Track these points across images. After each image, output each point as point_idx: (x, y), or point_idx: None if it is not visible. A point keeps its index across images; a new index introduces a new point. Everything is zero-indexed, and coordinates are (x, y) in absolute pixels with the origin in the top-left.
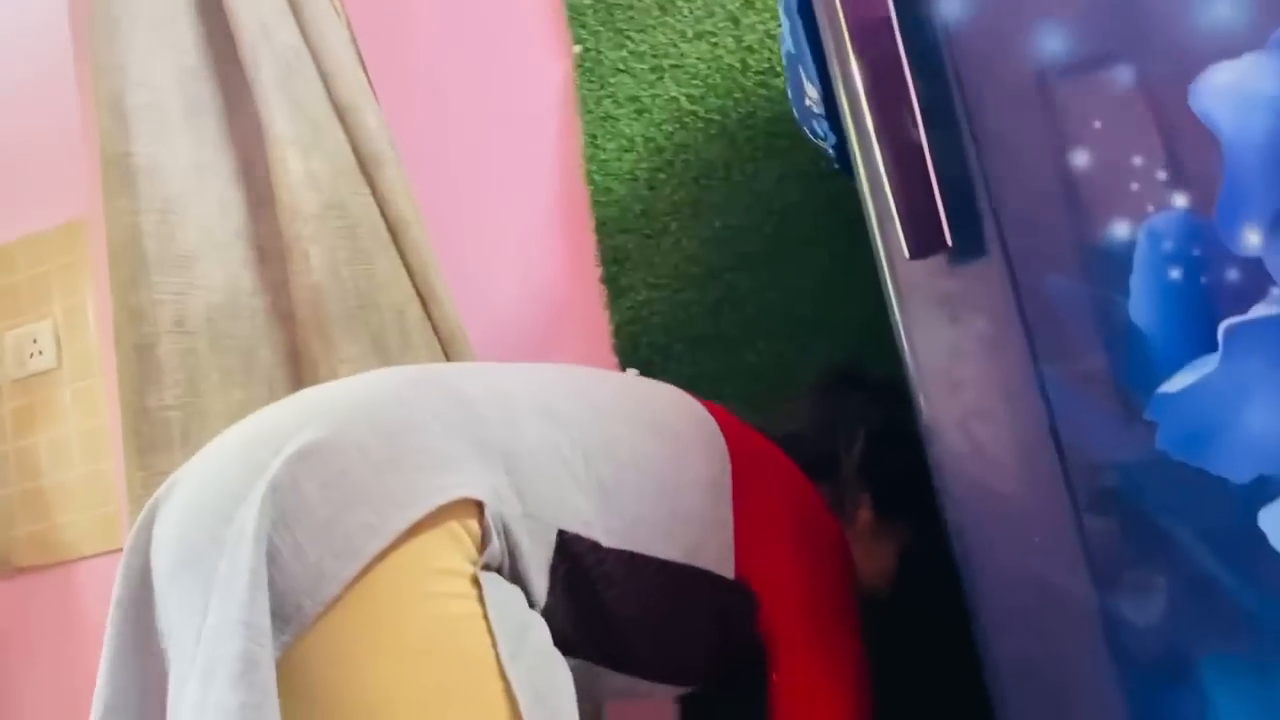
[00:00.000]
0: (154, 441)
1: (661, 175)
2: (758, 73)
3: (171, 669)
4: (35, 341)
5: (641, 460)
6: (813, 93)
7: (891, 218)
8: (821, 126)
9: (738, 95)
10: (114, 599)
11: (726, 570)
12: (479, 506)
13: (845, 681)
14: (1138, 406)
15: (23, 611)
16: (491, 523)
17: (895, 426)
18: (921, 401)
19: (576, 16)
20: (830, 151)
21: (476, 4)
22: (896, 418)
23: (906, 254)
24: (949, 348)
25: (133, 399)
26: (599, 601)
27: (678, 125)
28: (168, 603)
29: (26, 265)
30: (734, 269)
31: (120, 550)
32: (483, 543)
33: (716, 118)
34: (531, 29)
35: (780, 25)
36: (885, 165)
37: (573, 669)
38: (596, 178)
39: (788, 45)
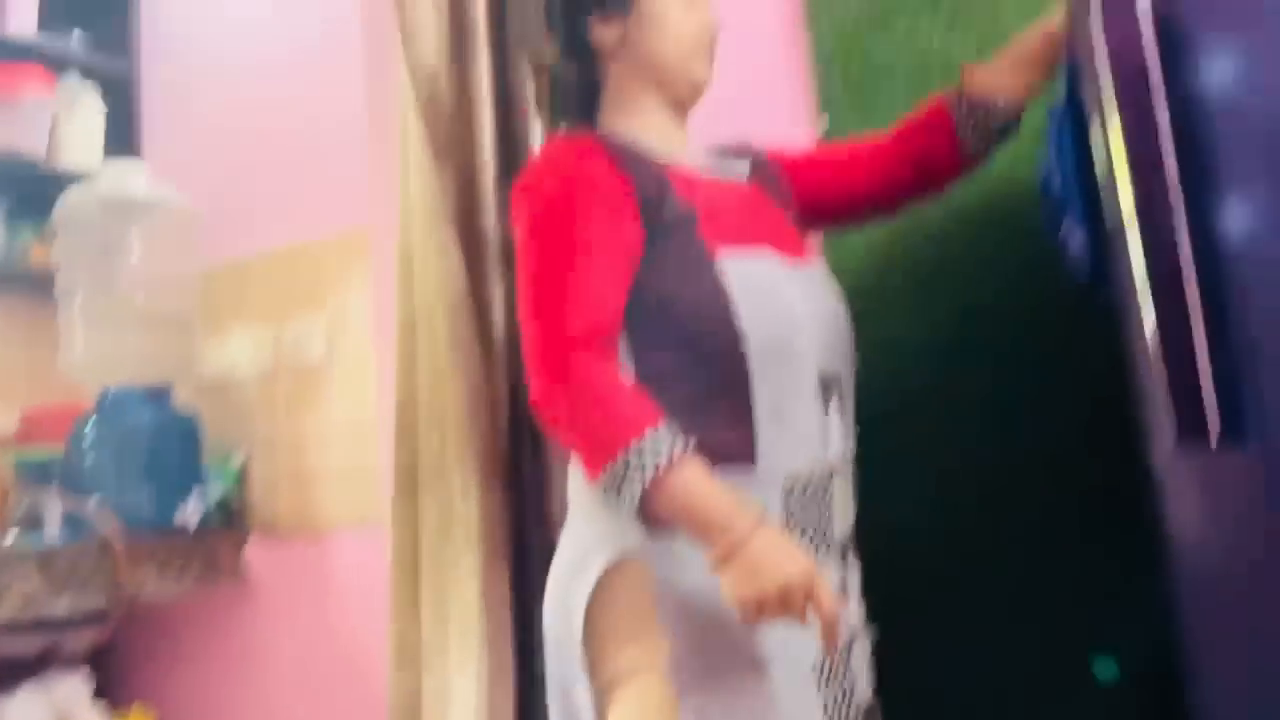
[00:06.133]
0: None
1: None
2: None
3: None
4: (312, 338)
5: None
6: (1080, 236)
7: (1158, 400)
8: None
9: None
10: None
11: None
12: None
13: None
14: None
15: (281, 570)
16: None
17: None
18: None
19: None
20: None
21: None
22: None
23: (1172, 440)
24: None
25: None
26: None
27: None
28: None
29: (308, 267)
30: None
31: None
32: None
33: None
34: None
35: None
36: (1155, 350)
37: None
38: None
39: (1053, 188)
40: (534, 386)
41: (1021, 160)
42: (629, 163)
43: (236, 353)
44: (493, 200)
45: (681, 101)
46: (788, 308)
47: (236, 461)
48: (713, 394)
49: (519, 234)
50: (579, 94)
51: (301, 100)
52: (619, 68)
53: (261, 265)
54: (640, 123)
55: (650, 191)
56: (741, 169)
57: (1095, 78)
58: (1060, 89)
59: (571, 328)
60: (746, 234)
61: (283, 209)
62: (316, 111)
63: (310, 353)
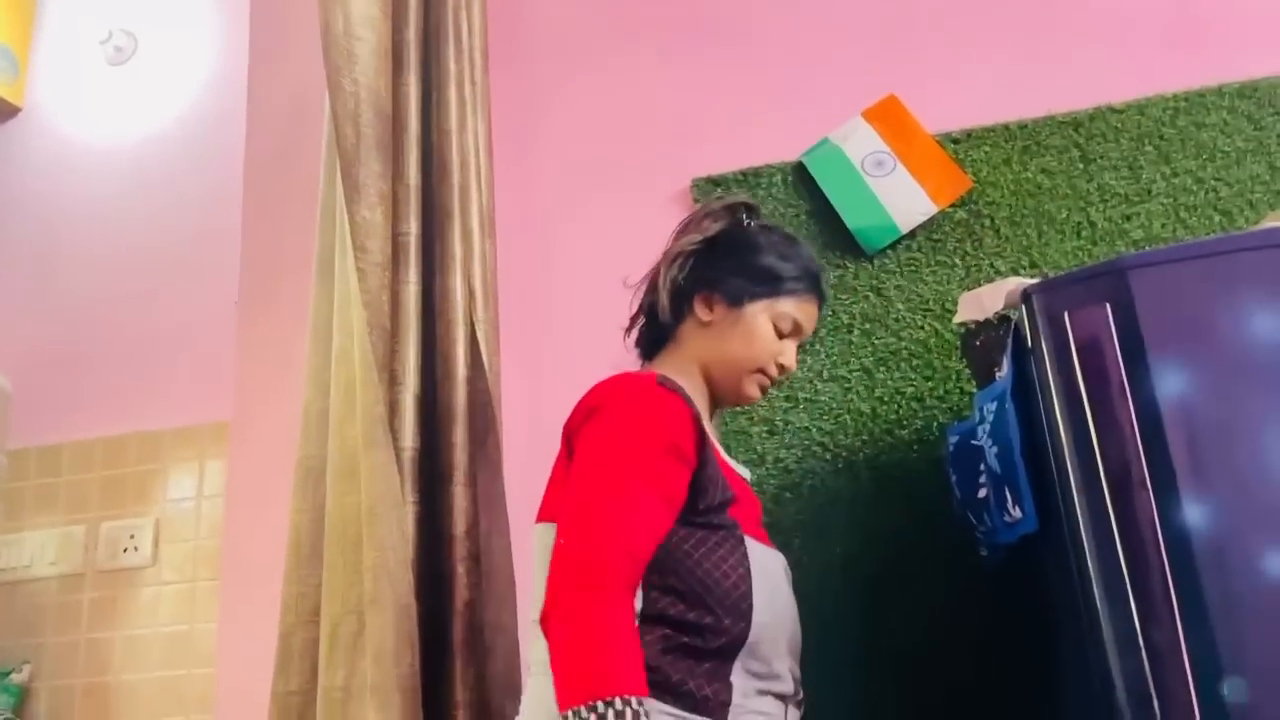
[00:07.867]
0: None
1: (788, 495)
2: (886, 421)
3: None
4: (132, 537)
5: None
6: (1015, 512)
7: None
8: (993, 523)
9: (865, 437)
10: None
11: None
12: None
13: None
14: None
15: None
16: None
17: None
18: None
19: None
20: (984, 550)
21: None
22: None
23: None
24: None
25: None
26: None
27: (805, 452)
28: None
29: (138, 460)
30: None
31: None
32: None
33: (844, 454)
34: None
35: (949, 429)
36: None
37: None
38: None
39: (989, 461)
40: (555, 593)
41: None
42: (698, 422)
43: (38, 549)
44: (413, 417)
45: (719, 401)
46: (785, 608)
47: (20, 676)
48: (704, 656)
49: (590, 446)
50: (651, 333)
51: (161, 288)
52: (692, 337)
53: (79, 453)
54: (689, 387)
55: (705, 456)
56: (744, 472)
57: (1056, 369)
58: (1005, 372)
59: (611, 559)
60: (758, 528)
61: (113, 395)
62: (174, 301)
63: (130, 555)
